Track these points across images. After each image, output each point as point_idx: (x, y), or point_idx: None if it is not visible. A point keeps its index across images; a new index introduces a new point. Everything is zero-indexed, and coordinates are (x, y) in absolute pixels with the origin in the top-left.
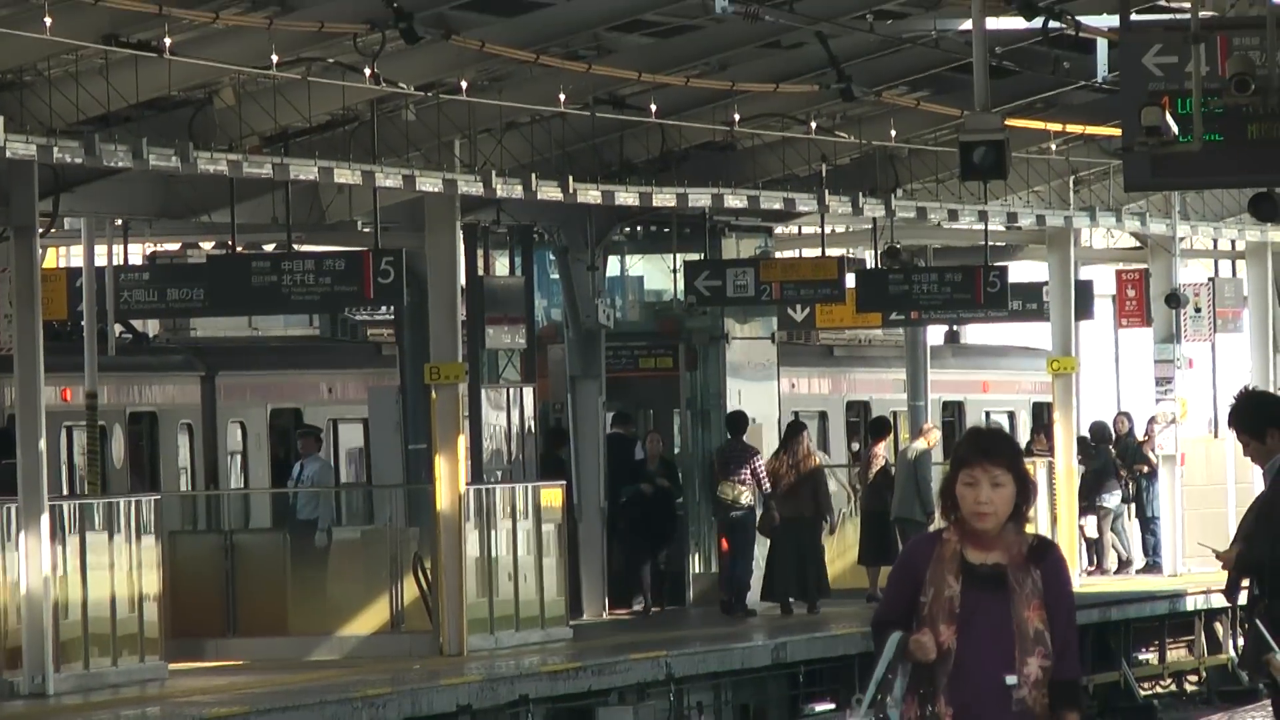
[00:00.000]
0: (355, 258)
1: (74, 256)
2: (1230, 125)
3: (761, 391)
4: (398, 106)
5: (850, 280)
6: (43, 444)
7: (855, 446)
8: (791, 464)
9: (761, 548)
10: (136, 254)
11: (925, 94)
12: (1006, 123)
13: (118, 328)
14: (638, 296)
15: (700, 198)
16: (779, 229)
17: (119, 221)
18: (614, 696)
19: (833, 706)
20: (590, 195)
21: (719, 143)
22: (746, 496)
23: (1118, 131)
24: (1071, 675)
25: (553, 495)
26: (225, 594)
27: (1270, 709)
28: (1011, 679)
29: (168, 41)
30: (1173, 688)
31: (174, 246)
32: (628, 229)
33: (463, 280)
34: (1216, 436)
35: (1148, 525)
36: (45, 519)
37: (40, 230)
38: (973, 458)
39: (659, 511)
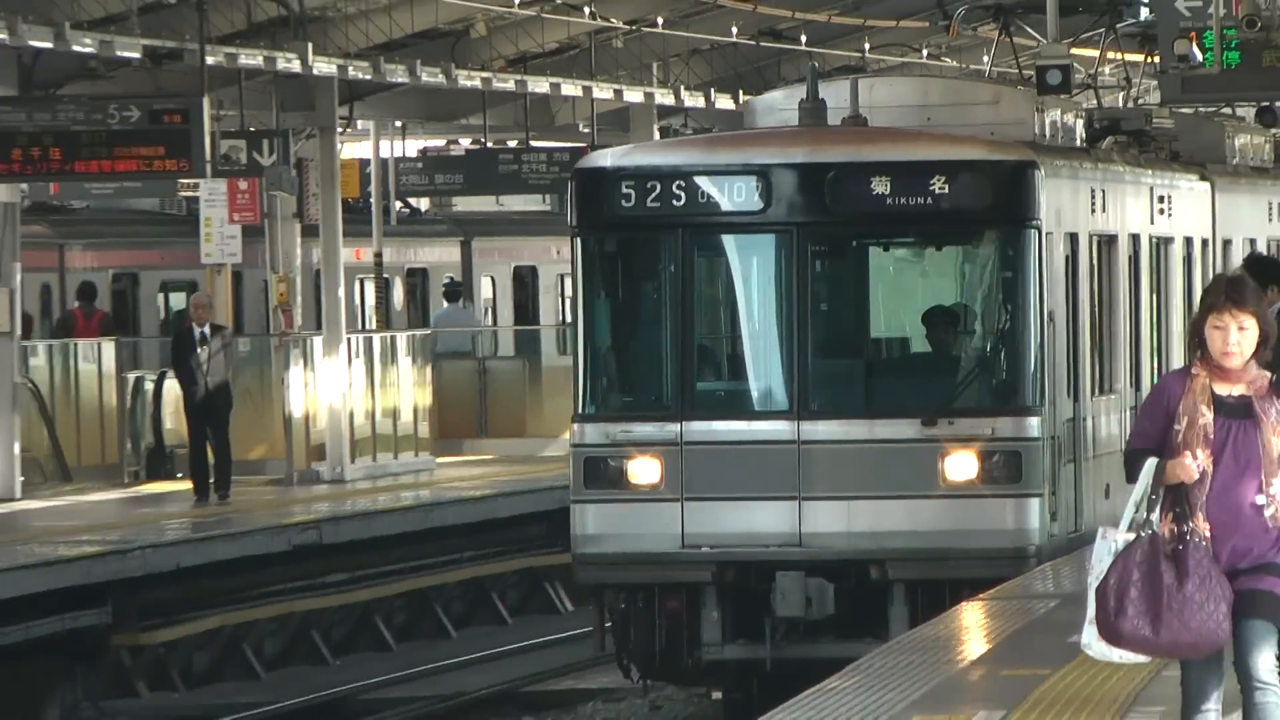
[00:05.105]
0: (577, 151)
1: (364, 150)
2: (1249, 53)
3: None
4: (610, 37)
5: None
6: (341, 292)
7: None
8: None
9: None
10: (412, 148)
11: (1011, 28)
12: (1072, 51)
13: (397, 204)
14: None
15: None
16: None
17: (398, 123)
18: None
19: None
20: None
21: (853, 66)
22: None
23: (1157, 59)
24: None
25: None
26: (479, 405)
27: None
28: (1261, 498)
29: None
30: None
31: (440, 143)
32: None
33: None
34: None
35: None
36: (343, 348)
37: (339, 130)
38: (1221, 304)
39: None
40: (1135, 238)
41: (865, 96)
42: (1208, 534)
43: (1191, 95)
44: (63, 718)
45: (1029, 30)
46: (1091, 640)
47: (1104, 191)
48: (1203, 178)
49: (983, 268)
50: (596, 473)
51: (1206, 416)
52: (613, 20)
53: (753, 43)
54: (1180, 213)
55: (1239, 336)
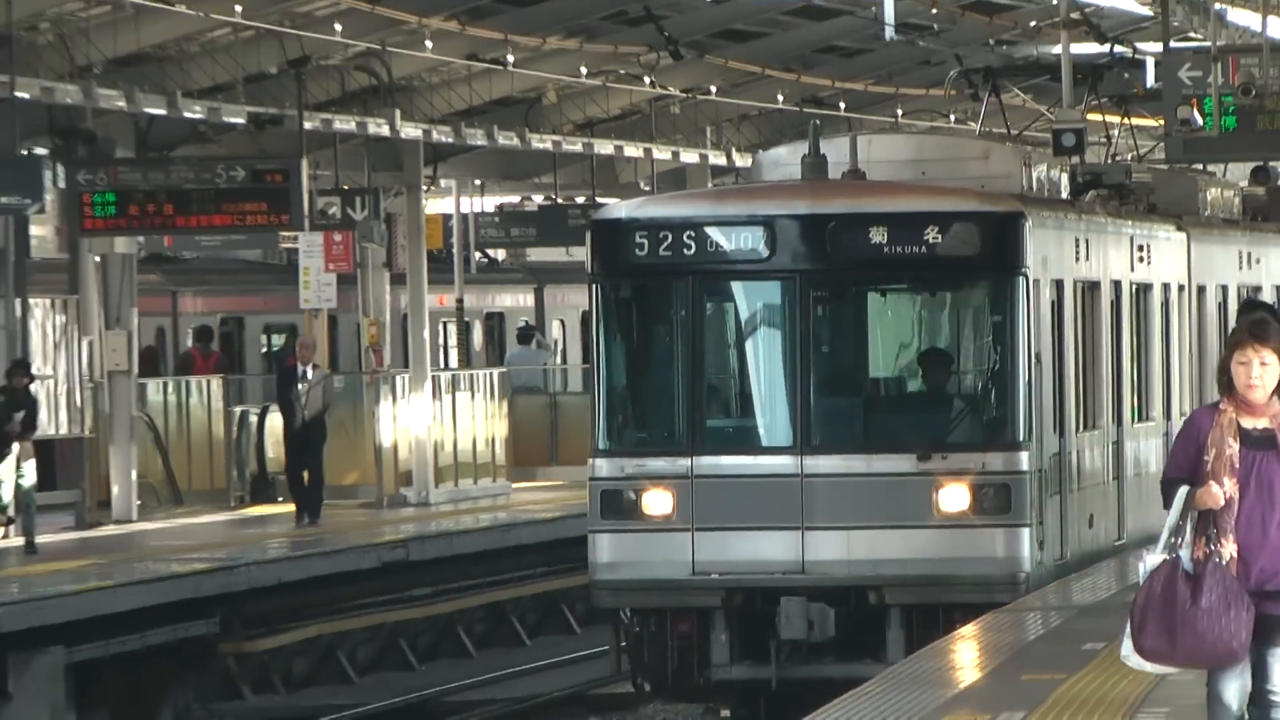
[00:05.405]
0: None
1: (447, 206)
2: (1244, 118)
3: None
4: (669, 104)
5: None
6: (426, 333)
7: None
8: None
9: None
10: (490, 204)
11: (1029, 96)
12: (1085, 116)
13: (477, 254)
14: None
15: None
16: None
17: (478, 181)
18: None
19: None
20: None
21: (888, 130)
22: None
23: (1161, 122)
24: None
25: None
26: (550, 436)
27: None
28: None
29: (510, 59)
30: None
31: (515, 199)
32: None
33: None
34: None
35: None
36: (428, 384)
37: (424, 188)
38: (1245, 341)
39: None
40: (1117, 284)
41: (864, 152)
42: (1233, 556)
43: (1192, 156)
44: (175, 718)
45: (1015, 90)
46: (1129, 653)
47: (1087, 241)
48: (1179, 228)
49: (974, 312)
50: (613, 504)
51: (1233, 448)
52: (671, 89)
53: (796, 109)
54: (1158, 261)
55: (1261, 371)
